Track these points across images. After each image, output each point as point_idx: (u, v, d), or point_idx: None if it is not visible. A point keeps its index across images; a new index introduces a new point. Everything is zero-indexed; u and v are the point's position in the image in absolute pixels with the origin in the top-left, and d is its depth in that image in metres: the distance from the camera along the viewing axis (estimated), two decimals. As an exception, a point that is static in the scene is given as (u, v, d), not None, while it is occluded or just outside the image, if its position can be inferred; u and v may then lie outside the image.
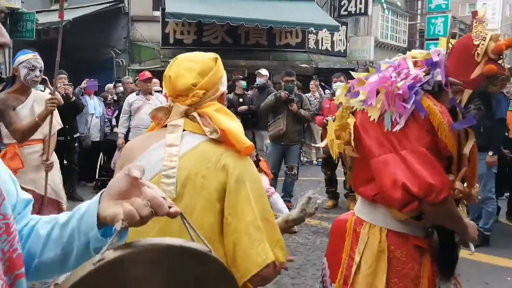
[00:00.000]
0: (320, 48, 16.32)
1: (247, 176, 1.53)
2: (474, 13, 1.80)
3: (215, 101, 1.62)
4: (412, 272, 1.75)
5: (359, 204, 1.97)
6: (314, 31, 15.24)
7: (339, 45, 17.36)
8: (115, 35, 14.71)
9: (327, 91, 9.01)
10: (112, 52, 14.23)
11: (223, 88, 1.66)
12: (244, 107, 7.50)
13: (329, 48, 16.87)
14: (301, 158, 9.33)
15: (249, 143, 1.54)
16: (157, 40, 14.26)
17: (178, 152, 1.50)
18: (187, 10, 12.51)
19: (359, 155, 1.86)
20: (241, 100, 7.61)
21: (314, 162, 10.13)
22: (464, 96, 1.74)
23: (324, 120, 6.17)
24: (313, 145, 9.72)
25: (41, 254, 0.94)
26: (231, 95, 7.51)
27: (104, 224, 0.85)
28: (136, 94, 6.51)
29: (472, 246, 1.88)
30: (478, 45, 1.70)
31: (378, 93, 1.77)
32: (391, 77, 1.77)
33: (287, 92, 6.25)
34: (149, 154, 1.53)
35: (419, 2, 27.16)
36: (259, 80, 7.82)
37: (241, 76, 8.39)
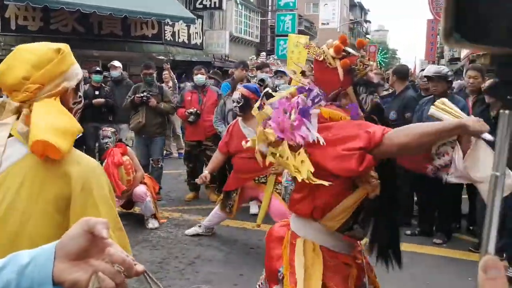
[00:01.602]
0: (177, 40, 16.27)
1: (94, 183, 1.37)
2: (307, 46, 2.12)
3: (56, 97, 1.41)
4: (341, 280, 2.00)
5: (294, 221, 2.14)
6: (170, 23, 15.14)
7: (195, 38, 17.52)
8: None
9: (187, 83, 9.06)
10: None
11: (69, 83, 1.45)
12: (100, 100, 7.19)
13: (186, 41, 16.92)
14: (162, 151, 9.26)
15: (65, 146, 1.30)
16: (-4, 25, 12.77)
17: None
18: (31, -7, 11.40)
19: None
20: (97, 92, 7.27)
21: (175, 154, 10.13)
22: (350, 95, 2.02)
23: (186, 113, 6.26)
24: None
25: None
26: (86, 87, 7.14)
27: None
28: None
29: (486, 136, 1.70)
30: (324, 59, 2.00)
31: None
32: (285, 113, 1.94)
33: (139, 95, 6.16)
34: None
35: None
36: (113, 73, 7.55)
37: (98, 68, 7.98)
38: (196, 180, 4.98)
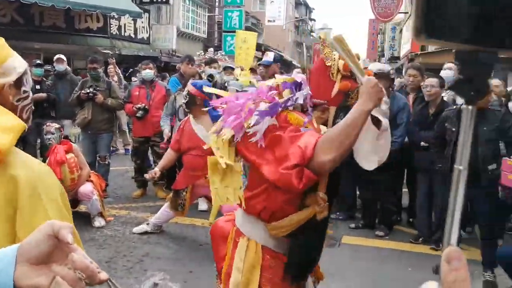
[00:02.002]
0: (123, 34, 15.86)
1: (43, 188, 1.26)
2: (323, 38, 2.00)
3: None
4: (281, 281, 2.00)
5: (240, 217, 2.12)
6: (116, 17, 14.72)
7: (142, 32, 17.15)
8: None
9: (134, 78, 8.87)
10: None
11: (5, 79, 1.31)
12: (41, 95, 6.90)
13: (132, 35, 16.53)
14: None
15: (5, 145, 1.18)
16: None
17: None
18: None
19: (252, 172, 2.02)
20: (38, 87, 6.97)
21: (121, 151, 9.90)
22: (330, 112, 1.98)
23: (134, 108, 6.13)
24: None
25: None
26: (27, 81, 6.82)
27: None
28: None
29: (383, 105, 1.77)
30: (330, 66, 1.93)
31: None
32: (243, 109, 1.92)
33: (85, 92, 5.97)
34: None
35: (217, -5, 28.40)
36: (59, 67, 7.27)
37: (39, 61, 7.63)
38: (145, 175, 4.90)
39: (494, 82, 4.66)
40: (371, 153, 1.89)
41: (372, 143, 1.86)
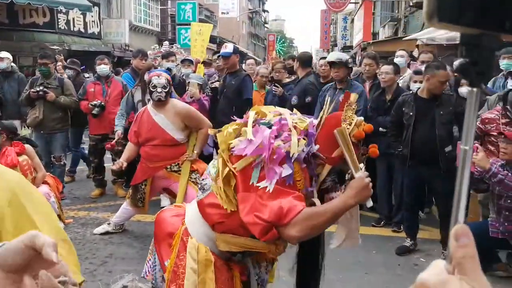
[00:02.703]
0: (72, 29, 15.32)
1: (23, 195, 1.20)
2: (347, 96, 1.95)
3: None
4: (226, 281, 2.00)
5: (192, 216, 2.06)
6: (64, 11, 14.18)
7: (92, 26, 16.64)
8: None
9: (86, 74, 8.58)
10: None
11: None
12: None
13: (82, 30, 16.01)
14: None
15: None
16: None
17: None
18: None
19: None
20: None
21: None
22: (324, 170, 1.91)
23: (89, 105, 5.92)
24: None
25: None
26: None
27: None
28: None
29: (368, 202, 1.87)
30: (345, 127, 1.86)
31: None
32: (271, 138, 1.84)
33: (35, 90, 5.71)
34: None
35: (170, -12, 27.97)
36: (0, 65, 6.91)
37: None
38: (111, 166, 4.72)
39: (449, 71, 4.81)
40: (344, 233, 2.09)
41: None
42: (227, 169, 1.89)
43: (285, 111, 2.04)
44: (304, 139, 1.88)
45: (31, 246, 0.65)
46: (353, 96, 1.96)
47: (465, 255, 0.49)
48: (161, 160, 4.33)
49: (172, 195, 4.64)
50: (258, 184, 1.80)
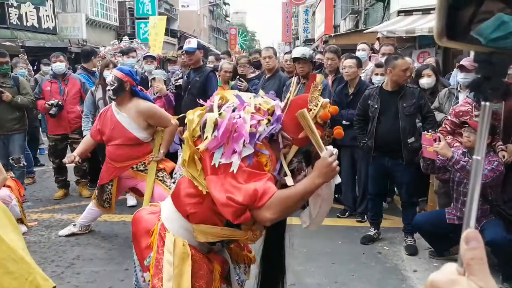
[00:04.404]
0: (25, 24, 14.75)
1: None
2: (313, 77, 1.96)
3: None
4: (206, 274, 2.02)
5: (167, 212, 2.07)
6: (15, 5, 13.64)
7: (47, 21, 16.07)
8: None
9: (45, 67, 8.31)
10: None
11: None
12: None
13: (36, 25, 15.43)
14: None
15: None
16: None
17: None
18: None
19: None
20: None
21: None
22: (291, 151, 1.93)
23: (46, 105, 5.73)
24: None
25: None
26: None
27: None
28: None
29: (336, 178, 1.88)
30: (311, 110, 1.88)
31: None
32: (231, 118, 1.85)
33: None
34: None
35: (127, -19, 27.36)
36: None
37: None
38: (63, 160, 4.56)
39: (408, 60, 4.94)
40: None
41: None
42: (191, 150, 1.92)
43: (248, 94, 2.07)
44: (268, 119, 1.92)
45: None
46: (319, 77, 1.98)
47: (473, 257, 0.54)
48: (126, 160, 4.26)
49: (139, 194, 4.58)
50: (220, 160, 1.82)
